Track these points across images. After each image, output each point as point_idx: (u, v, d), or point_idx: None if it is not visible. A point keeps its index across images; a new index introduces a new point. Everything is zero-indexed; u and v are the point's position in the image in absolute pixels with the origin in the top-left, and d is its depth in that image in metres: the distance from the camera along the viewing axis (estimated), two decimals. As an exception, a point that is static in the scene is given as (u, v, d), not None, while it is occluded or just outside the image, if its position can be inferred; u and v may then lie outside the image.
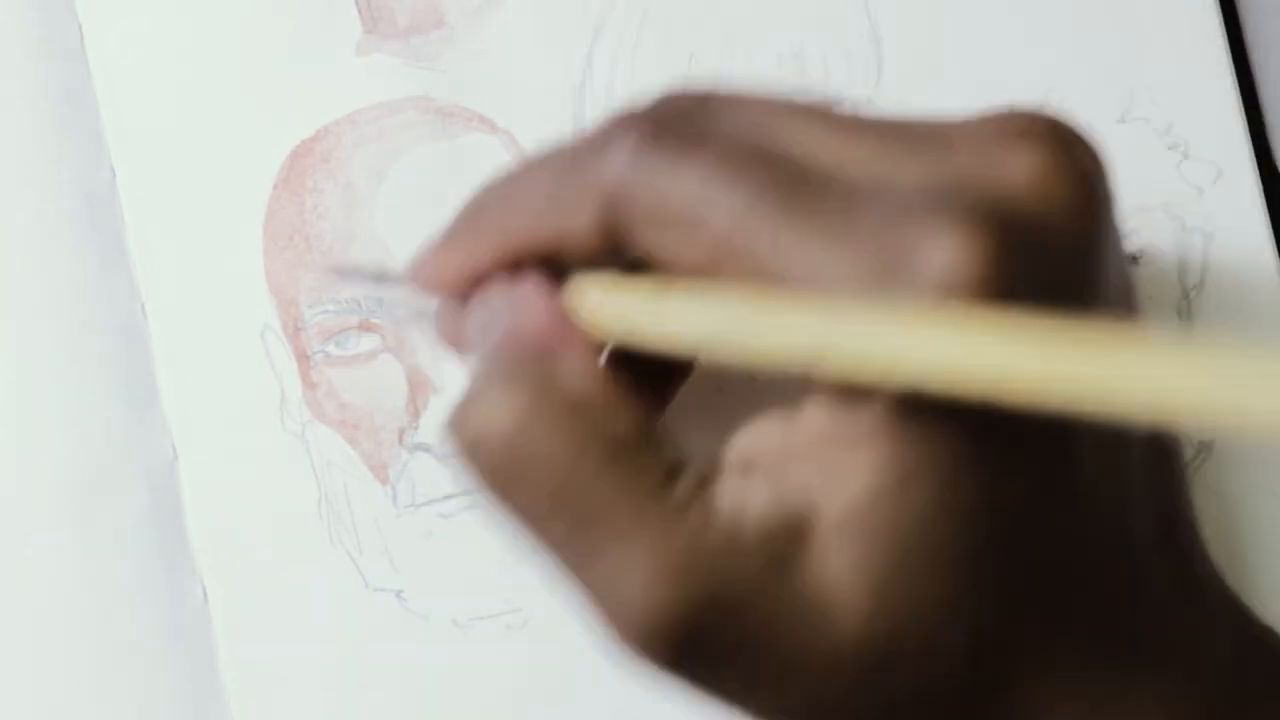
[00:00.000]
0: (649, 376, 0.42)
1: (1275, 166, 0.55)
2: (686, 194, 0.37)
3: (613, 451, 0.38)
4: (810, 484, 0.37)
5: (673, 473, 0.38)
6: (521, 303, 0.41)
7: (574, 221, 0.40)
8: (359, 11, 0.54)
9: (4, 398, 0.52)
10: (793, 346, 0.36)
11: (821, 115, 0.39)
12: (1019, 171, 0.37)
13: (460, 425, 0.39)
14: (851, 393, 0.36)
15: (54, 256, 0.53)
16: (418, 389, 0.53)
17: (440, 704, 0.53)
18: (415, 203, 0.53)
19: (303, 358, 0.53)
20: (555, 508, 0.38)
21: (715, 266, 0.38)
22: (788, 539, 0.37)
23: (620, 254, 0.40)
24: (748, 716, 0.39)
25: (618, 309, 0.40)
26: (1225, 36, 0.54)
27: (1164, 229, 0.54)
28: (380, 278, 0.52)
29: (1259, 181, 0.54)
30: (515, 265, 0.42)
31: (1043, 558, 0.38)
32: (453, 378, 0.53)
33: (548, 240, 0.40)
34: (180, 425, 0.53)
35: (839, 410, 0.37)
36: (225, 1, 0.54)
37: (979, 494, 0.36)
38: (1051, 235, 0.37)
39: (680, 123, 0.39)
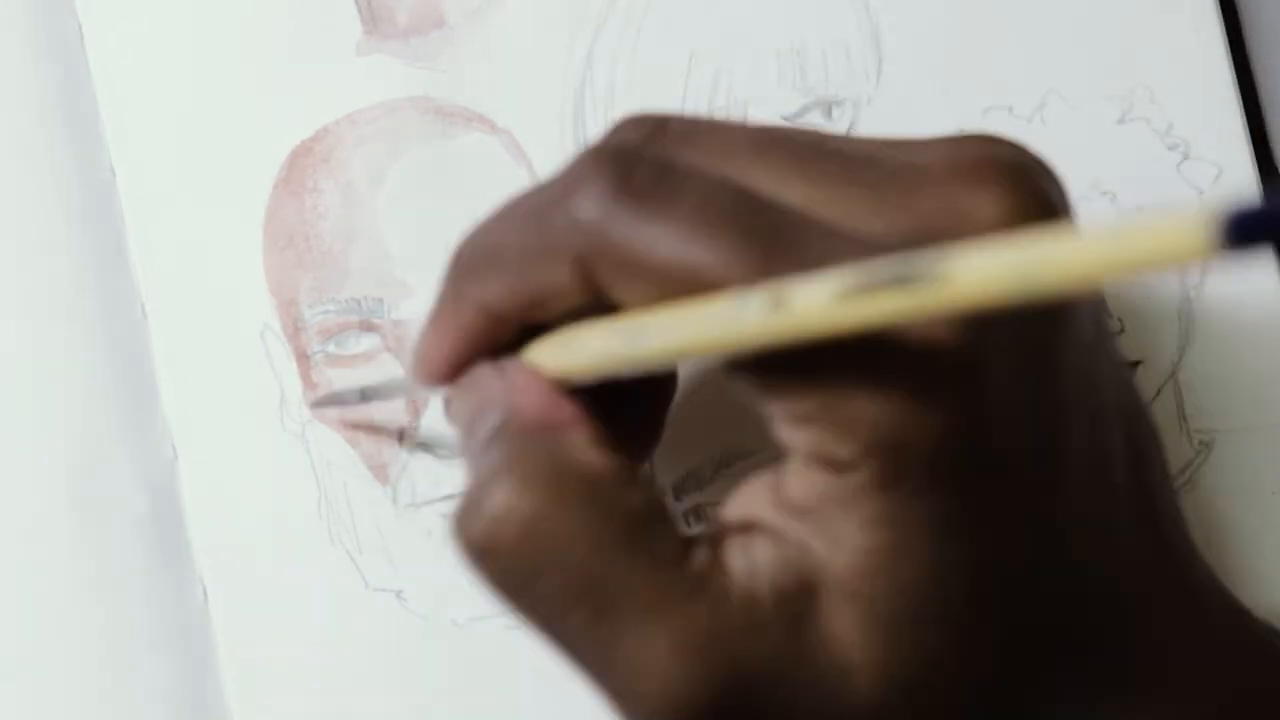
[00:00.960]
0: (628, 425, 0.42)
1: (1275, 166, 0.55)
2: (665, 248, 0.36)
3: (631, 529, 0.37)
4: (810, 546, 0.37)
5: (686, 544, 0.37)
6: (514, 385, 0.40)
7: (551, 280, 0.38)
8: (359, 11, 0.54)
9: (4, 397, 0.52)
10: (734, 331, 0.35)
11: (787, 150, 0.38)
12: (986, 217, 0.37)
13: (469, 526, 0.37)
14: (831, 460, 0.36)
15: (54, 256, 0.53)
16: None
17: (440, 704, 0.53)
18: (415, 203, 0.53)
19: (303, 357, 0.53)
20: (575, 598, 0.36)
21: None
22: (801, 598, 0.36)
23: (603, 301, 0.39)
24: None
25: (589, 350, 0.39)
26: (1225, 36, 0.54)
27: (1164, 229, 0.54)
28: (368, 394, 0.51)
29: (1259, 181, 0.54)
30: (498, 341, 0.41)
31: (1041, 601, 0.38)
32: (453, 378, 0.53)
33: (530, 301, 0.39)
34: (180, 425, 0.53)
35: (824, 472, 0.36)
36: (225, 2, 0.54)
37: (969, 549, 0.36)
38: None
39: (648, 166, 0.37)
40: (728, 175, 0.38)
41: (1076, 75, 0.54)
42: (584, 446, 0.38)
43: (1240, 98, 0.54)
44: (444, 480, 0.53)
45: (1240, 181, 0.54)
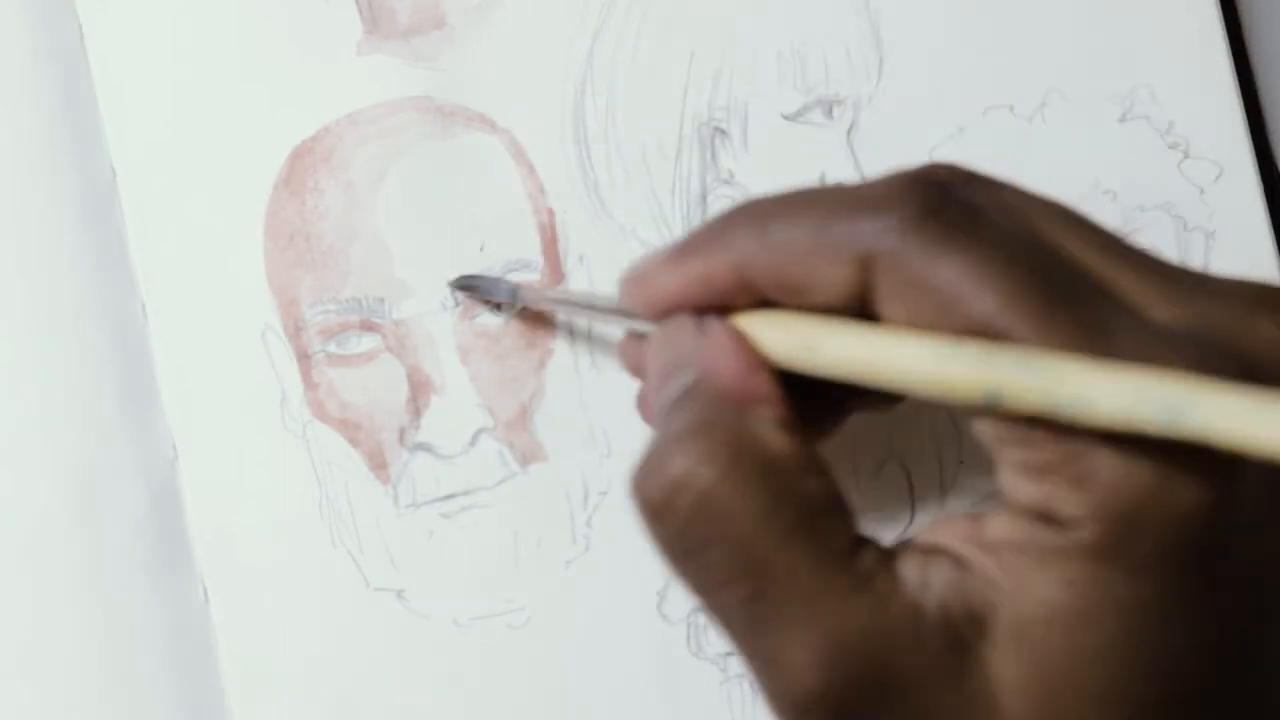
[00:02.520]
0: (812, 412, 0.41)
1: (1275, 166, 0.55)
2: (953, 277, 0.37)
3: (802, 516, 0.37)
4: (994, 582, 0.36)
5: (858, 543, 0.37)
6: (714, 347, 0.40)
7: (828, 275, 0.39)
8: (359, 11, 0.54)
9: (4, 398, 0.52)
10: (977, 381, 0.36)
11: (1090, 222, 0.39)
12: (1266, 337, 0.37)
13: (648, 485, 0.38)
14: (1052, 514, 0.36)
15: (54, 256, 0.53)
16: (418, 388, 0.53)
17: (440, 704, 0.53)
18: (415, 203, 0.53)
19: (303, 357, 0.53)
20: (737, 574, 0.37)
21: None
22: (968, 625, 0.36)
23: (847, 311, 0.39)
24: None
25: (803, 340, 0.39)
26: (1225, 36, 0.54)
27: (1165, 229, 0.54)
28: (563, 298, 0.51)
29: (1259, 181, 0.54)
30: (723, 305, 0.41)
31: None
32: (453, 376, 0.53)
33: (794, 284, 0.39)
34: (180, 425, 0.53)
35: (1036, 524, 0.36)
36: (226, 2, 0.54)
37: (1161, 645, 0.36)
38: None
39: (960, 203, 0.38)
40: (1029, 228, 0.38)
41: (1078, 74, 0.54)
42: (771, 427, 0.38)
43: (1240, 97, 0.54)
44: (444, 480, 0.53)
45: (1240, 181, 0.54)
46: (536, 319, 0.53)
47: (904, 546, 0.38)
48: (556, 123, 0.54)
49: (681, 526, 0.37)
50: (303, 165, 0.53)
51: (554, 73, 0.54)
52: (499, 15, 0.54)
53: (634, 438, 0.53)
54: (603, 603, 0.53)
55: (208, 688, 0.52)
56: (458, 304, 0.53)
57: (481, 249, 0.53)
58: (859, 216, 0.38)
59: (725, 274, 0.41)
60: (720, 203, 0.54)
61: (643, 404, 0.45)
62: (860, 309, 0.39)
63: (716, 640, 0.53)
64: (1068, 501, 0.35)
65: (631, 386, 0.53)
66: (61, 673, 0.52)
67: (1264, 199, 0.54)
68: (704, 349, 0.40)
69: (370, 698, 0.52)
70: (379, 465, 0.53)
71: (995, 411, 0.36)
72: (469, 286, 0.53)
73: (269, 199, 0.53)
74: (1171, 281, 0.37)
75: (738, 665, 0.53)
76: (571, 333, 0.53)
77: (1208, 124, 0.54)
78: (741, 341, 0.40)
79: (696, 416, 0.38)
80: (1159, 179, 0.54)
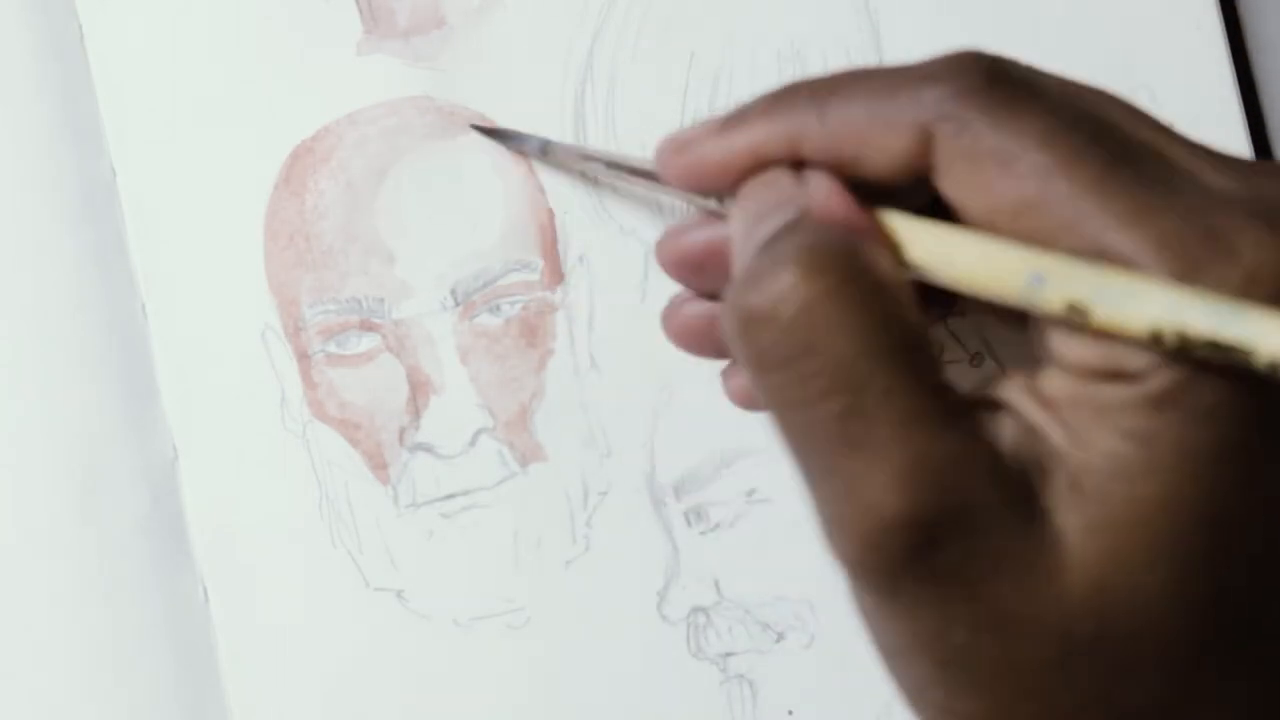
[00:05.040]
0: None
1: (1275, 166, 0.55)
2: (1014, 140, 0.37)
3: (906, 340, 0.37)
4: (1055, 435, 0.37)
5: (946, 384, 0.37)
6: (819, 185, 0.39)
7: (886, 143, 0.39)
8: (359, 11, 0.54)
9: (4, 397, 0.52)
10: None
11: (1134, 105, 0.39)
12: None
13: (749, 294, 0.37)
14: (1114, 370, 0.36)
15: (54, 256, 0.53)
16: (418, 388, 0.53)
17: (440, 704, 0.53)
18: (415, 203, 0.53)
19: (303, 357, 0.53)
20: (833, 389, 0.37)
21: (1009, 221, 0.38)
22: (1035, 475, 0.37)
23: (909, 188, 0.39)
24: (925, 689, 0.38)
25: (929, 243, 0.39)
26: (1225, 36, 0.54)
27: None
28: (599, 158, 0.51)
29: (1259, 181, 0.54)
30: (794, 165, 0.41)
31: (1267, 598, 0.37)
32: (453, 377, 0.53)
33: (850, 154, 0.39)
34: (180, 425, 0.53)
35: (1097, 380, 0.36)
36: (225, 2, 0.54)
37: (1217, 500, 0.36)
38: None
39: (1009, 75, 0.39)
40: (1084, 103, 0.38)
41: (1077, 75, 0.54)
42: (880, 253, 0.38)
43: (1240, 98, 0.54)
44: (444, 480, 0.53)
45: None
46: (537, 319, 0.53)
47: (973, 397, 0.38)
48: (557, 123, 0.54)
49: (782, 335, 0.37)
50: (303, 165, 0.53)
51: (554, 73, 0.54)
52: (499, 15, 0.54)
53: (634, 438, 0.53)
54: (603, 603, 0.53)
55: (208, 688, 0.52)
56: (458, 303, 0.53)
57: (481, 249, 0.53)
58: (918, 87, 0.39)
59: (776, 145, 0.40)
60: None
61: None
62: (914, 183, 0.39)
63: (716, 640, 0.53)
64: (1136, 356, 0.36)
65: (630, 386, 0.53)
66: (62, 673, 0.52)
67: (1264, 199, 0.54)
68: (809, 187, 0.39)
69: (370, 698, 0.52)
70: (379, 465, 0.53)
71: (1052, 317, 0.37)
72: (498, 134, 0.52)
73: (269, 199, 0.53)
74: (1223, 158, 0.38)
75: (737, 665, 0.53)
76: (571, 333, 0.53)
77: (1208, 124, 0.54)
78: (842, 185, 0.40)
79: (802, 240, 0.38)
80: (1159, 179, 0.54)
